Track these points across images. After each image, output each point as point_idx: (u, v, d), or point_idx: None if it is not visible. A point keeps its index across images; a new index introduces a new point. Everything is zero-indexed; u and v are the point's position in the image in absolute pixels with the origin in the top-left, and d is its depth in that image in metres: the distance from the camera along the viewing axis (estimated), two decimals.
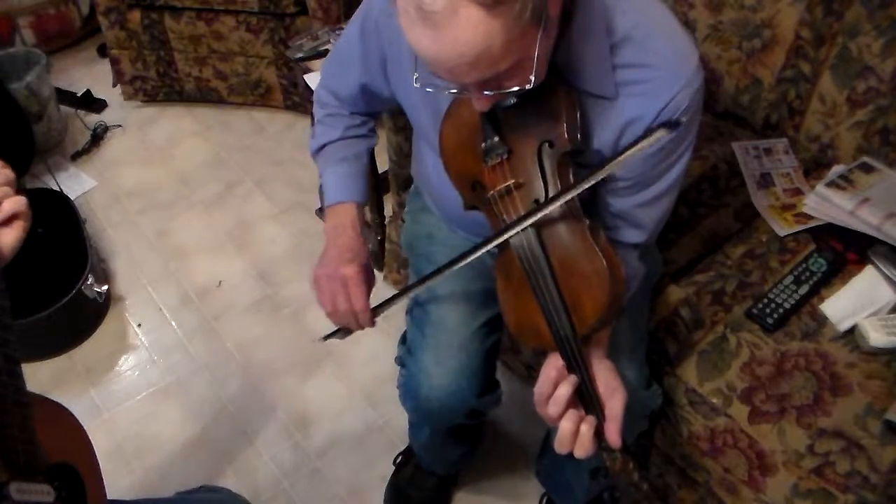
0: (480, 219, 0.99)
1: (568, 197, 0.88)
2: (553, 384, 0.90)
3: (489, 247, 0.94)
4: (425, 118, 1.07)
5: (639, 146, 0.86)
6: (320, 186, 1.33)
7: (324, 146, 1.19)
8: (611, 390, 0.90)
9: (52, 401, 1.00)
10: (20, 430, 0.83)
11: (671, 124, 0.86)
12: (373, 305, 1.10)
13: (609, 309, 0.89)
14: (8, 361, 0.82)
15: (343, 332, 1.13)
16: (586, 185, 0.88)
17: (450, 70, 0.78)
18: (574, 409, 0.89)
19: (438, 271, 1.00)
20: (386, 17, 1.00)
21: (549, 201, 0.89)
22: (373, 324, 1.10)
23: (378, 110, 1.24)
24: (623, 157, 0.86)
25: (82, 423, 1.05)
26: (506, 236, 0.91)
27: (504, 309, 0.98)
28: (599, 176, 0.88)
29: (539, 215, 0.89)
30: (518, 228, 0.90)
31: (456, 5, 0.71)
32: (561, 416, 0.88)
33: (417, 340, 1.23)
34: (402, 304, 1.12)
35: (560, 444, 0.88)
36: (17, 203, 0.85)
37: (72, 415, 1.03)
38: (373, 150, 1.25)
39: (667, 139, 0.92)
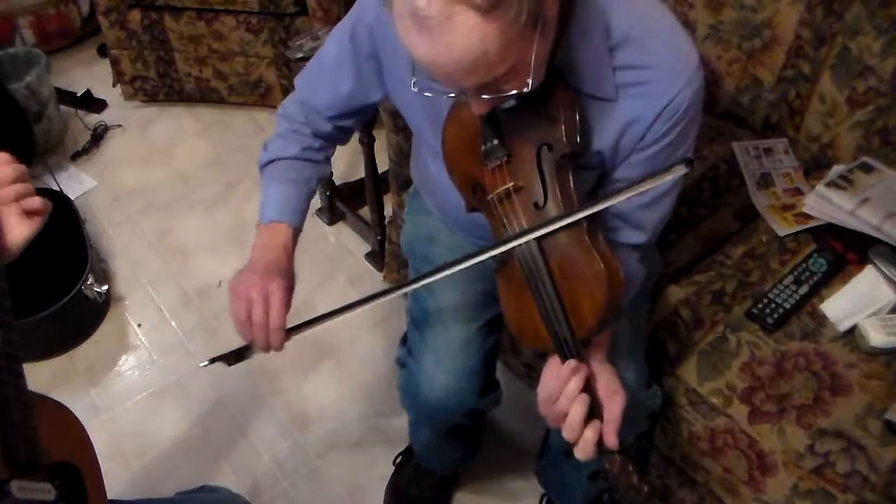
0: (481, 221, 0.99)
1: (573, 219, 0.87)
2: (560, 389, 0.89)
3: (485, 257, 0.93)
4: (425, 124, 1.07)
5: (656, 180, 0.86)
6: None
7: (275, 160, 1.14)
8: (611, 393, 0.90)
9: (53, 400, 1.00)
10: (22, 428, 0.83)
11: (688, 161, 0.86)
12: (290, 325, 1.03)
13: (607, 311, 0.89)
14: (10, 360, 0.83)
15: (238, 354, 1.04)
16: (592, 210, 0.88)
17: (447, 75, 0.77)
18: (582, 396, 0.88)
19: (406, 284, 1.00)
20: (382, 24, 1.00)
21: (556, 219, 0.89)
22: (282, 347, 1.03)
23: (353, 128, 1.20)
24: (638, 189, 0.87)
25: (82, 423, 1.05)
26: (506, 247, 0.91)
27: (505, 311, 0.97)
28: (607, 203, 0.88)
29: (542, 231, 0.89)
30: (520, 241, 0.90)
31: (451, 10, 0.71)
32: (567, 417, 0.88)
33: (417, 341, 1.22)
34: (318, 328, 1.04)
35: (569, 431, 0.87)
36: (41, 203, 0.88)
37: (73, 414, 1.04)
38: (370, 158, 1.21)
39: (667, 141, 0.92)
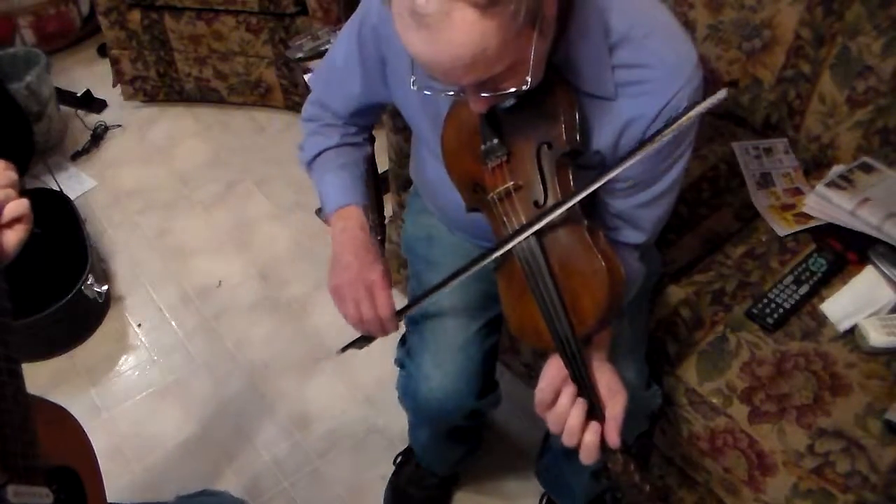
0: (480, 221, 0.99)
1: (575, 200, 0.87)
2: (554, 392, 0.90)
3: (489, 260, 0.93)
4: (425, 123, 1.07)
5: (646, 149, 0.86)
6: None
7: (321, 153, 1.16)
8: (612, 393, 0.90)
9: (54, 403, 1.00)
10: (20, 431, 0.82)
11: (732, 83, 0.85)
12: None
13: (608, 309, 0.89)
14: (9, 362, 0.82)
15: (363, 341, 1.09)
16: (593, 187, 0.88)
17: (445, 72, 0.78)
18: (580, 402, 0.89)
19: (444, 283, 0.99)
20: (385, 23, 1.00)
21: (553, 207, 0.88)
22: (398, 328, 1.07)
23: (372, 122, 1.22)
24: (636, 158, 0.87)
25: (82, 424, 1.05)
26: (508, 246, 0.91)
27: (505, 310, 0.98)
28: (607, 177, 0.88)
29: (543, 222, 0.89)
30: (520, 238, 0.90)
31: (450, 7, 0.71)
32: (562, 430, 0.89)
33: (416, 343, 1.23)
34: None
35: (568, 438, 0.89)
36: (20, 206, 0.86)
37: (73, 417, 1.03)
38: (371, 157, 1.24)
39: (667, 140, 0.92)
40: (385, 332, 1.07)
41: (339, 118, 1.17)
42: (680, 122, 0.84)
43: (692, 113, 0.83)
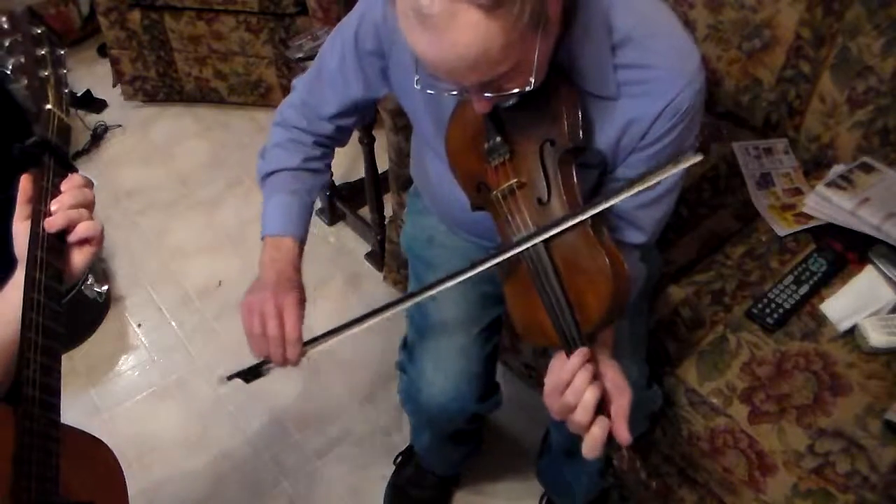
0: (482, 220, 0.99)
1: (584, 216, 0.87)
2: (571, 374, 0.88)
3: (492, 264, 0.93)
4: (429, 122, 1.07)
5: (664, 173, 0.86)
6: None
7: (278, 171, 1.13)
8: (619, 390, 0.90)
9: (90, 436, 0.96)
10: (39, 465, 0.77)
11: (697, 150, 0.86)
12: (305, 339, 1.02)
13: (613, 306, 0.89)
14: (44, 391, 0.78)
15: (255, 370, 1.03)
16: (598, 209, 0.87)
17: (449, 72, 0.78)
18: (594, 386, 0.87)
19: (442, 282, 0.98)
20: (391, 19, 0.99)
21: (560, 221, 0.89)
22: (299, 361, 1.01)
23: (354, 125, 1.19)
24: (645, 184, 0.87)
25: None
26: (513, 252, 0.91)
27: (510, 309, 0.97)
28: (613, 201, 0.88)
29: (549, 234, 0.89)
30: (526, 246, 0.90)
31: (455, 8, 0.71)
32: (577, 405, 0.86)
33: (418, 346, 1.22)
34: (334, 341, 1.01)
35: (577, 427, 0.87)
36: (91, 228, 0.83)
37: (108, 450, 0.99)
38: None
39: (668, 141, 0.92)
40: (285, 359, 1.01)
41: (317, 124, 1.14)
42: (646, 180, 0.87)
43: (675, 169, 0.86)
